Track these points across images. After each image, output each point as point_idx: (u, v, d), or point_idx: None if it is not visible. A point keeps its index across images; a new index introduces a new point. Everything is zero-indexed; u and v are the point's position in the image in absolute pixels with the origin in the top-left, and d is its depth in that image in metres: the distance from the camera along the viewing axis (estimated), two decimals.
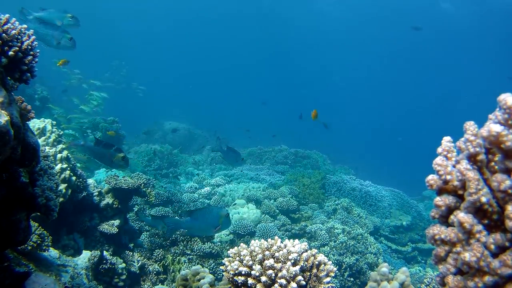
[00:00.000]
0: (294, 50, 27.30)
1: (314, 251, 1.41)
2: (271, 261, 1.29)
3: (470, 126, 0.77)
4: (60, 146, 2.80)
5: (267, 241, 1.41)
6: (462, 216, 0.69)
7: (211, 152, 4.40)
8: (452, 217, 0.75)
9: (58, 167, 2.64)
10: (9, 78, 1.37)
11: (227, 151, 3.78)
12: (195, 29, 26.68)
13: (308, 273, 1.36)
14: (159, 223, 3.26)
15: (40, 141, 2.75)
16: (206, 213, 2.40)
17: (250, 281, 1.29)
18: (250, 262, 1.32)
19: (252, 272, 1.29)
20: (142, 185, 3.25)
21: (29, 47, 1.38)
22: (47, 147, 2.73)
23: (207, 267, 3.32)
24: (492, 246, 0.68)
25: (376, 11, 19.79)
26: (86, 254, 2.61)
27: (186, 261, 3.42)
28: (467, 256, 0.68)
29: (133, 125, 11.45)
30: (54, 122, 2.96)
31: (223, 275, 1.55)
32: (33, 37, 1.40)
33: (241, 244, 1.42)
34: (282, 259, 1.32)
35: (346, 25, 22.43)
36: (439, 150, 0.81)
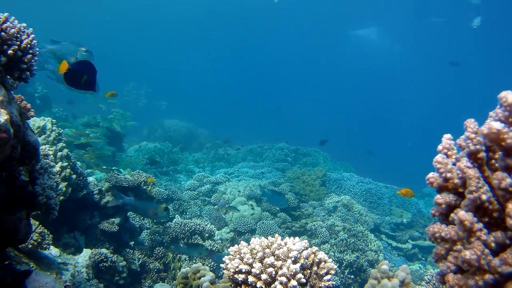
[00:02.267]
0: (295, 49, 27.26)
1: (315, 248, 1.41)
2: (272, 259, 1.29)
3: (470, 123, 0.77)
4: (60, 145, 2.80)
5: (267, 238, 1.41)
6: (462, 214, 0.69)
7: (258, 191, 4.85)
8: (452, 215, 0.75)
9: (58, 165, 2.64)
10: (8, 76, 1.37)
11: (271, 194, 4.14)
12: (195, 29, 26.63)
13: (309, 271, 1.36)
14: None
15: (40, 139, 2.75)
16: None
17: (250, 279, 1.29)
18: (251, 260, 1.32)
19: (253, 270, 1.29)
20: (143, 183, 3.26)
21: (29, 45, 1.38)
22: (47, 146, 2.73)
23: (207, 265, 3.33)
24: (493, 244, 0.67)
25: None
26: (86, 252, 2.61)
27: (187, 258, 3.42)
28: (467, 254, 0.68)
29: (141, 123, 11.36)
30: (54, 121, 2.95)
31: (223, 273, 1.55)
32: (32, 35, 1.40)
33: (242, 241, 1.42)
34: (282, 257, 1.32)
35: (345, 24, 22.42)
36: (440, 147, 0.81)
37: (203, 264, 1.92)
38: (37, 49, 1.43)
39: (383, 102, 28.42)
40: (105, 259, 2.63)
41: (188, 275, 1.74)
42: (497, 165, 0.70)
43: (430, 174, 0.80)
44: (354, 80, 28.48)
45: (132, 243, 3.41)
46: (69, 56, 2.97)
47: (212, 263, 3.39)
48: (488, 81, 20.08)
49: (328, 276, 1.36)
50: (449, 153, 0.79)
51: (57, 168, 2.62)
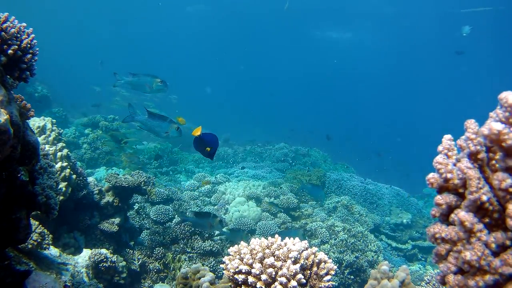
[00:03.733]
0: (296, 49, 27.27)
1: (314, 249, 1.41)
2: (272, 259, 1.29)
3: (471, 124, 0.77)
4: (60, 145, 2.80)
5: (267, 239, 1.41)
6: (463, 214, 0.69)
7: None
8: (452, 215, 0.75)
9: (58, 165, 2.64)
10: (8, 76, 1.37)
11: (311, 187, 4.62)
12: (194, 29, 26.62)
13: (309, 271, 1.36)
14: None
15: (40, 139, 2.75)
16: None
17: (250, 279, 1.29)
18: (251, 260, 1.32)
19: (253, 270, 1.29)
20: (143, 183, 3.25)
21: (29, 45, 1.38)
22: (47, 146, 2.73)
23: (207, 265, 3.32)
24: (493, 245, 0.67)
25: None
26: (86, 253, 2.61)
27: (187, 259, 3.42)
28: (468, 255, 0.68)
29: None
30: (54, 121, 2.95)
31: (223, 273, 1.55)
32: (33, 35, 1.40)
33: (242, 242, 1.42)
34: (282, 257, 1.32)
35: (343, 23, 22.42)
36: (440, 148, 0.81)
37: (203, 265, 1.92)
38: (37, 49, 1.44)
39: (382, 102, 28.41)
40: (105, 259, 2.63)
41: (188, 275, 1.74)
42: (497, 165, 0.70)
43: (430, 175, 0.79)
44: (353, 80, 28.50)
45: (132, 243, 3.41)
46: (146, 87, 3.17)
47: (212, 263, 3.39)
48: (488, 81, 20.10)
49: (328, 277, 1.36)
50: (450, 153, 0.79)
51: (57, 168, 2.62)
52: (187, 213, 3.26)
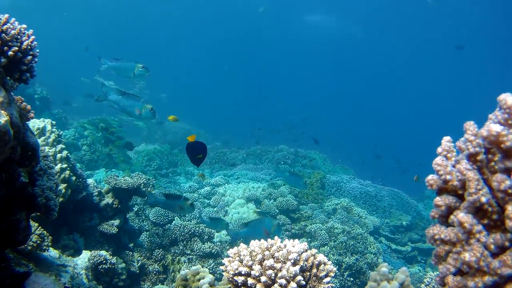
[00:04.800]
0: (295, 49, 27.30)
1: (314, 251, 1.41)
2: (271, 261, 1.29)
3: (470, 126, 0.77)
4: (59, 146, 2.80)
5: (267, 241, 1.41)
6: (462, 216, 0.69)
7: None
8: (452, 217, 0.75)
9: (57, 167, 2.64)
10: (8, 78, 1.37)
11: (289, 175, 4.23)
12: (194, 29, 26.61)
13: (308, 273, 1.36)
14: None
15: (40, 141, 2.75)
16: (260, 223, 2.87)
17: (250, 281, 1.29)
18: (250, 262, 1.32)
19: (252, 272, 1.29)
20: (142, 185, 3.25)
21: (29, 47, 1.38)
22: (46, 147, 2.73)
23: (207, 267, 3.32)
24: (492, 246, 0.68)
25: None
26: (86, 254, 2.61)
27: (186, 261, 3.42)
28: (467, 256, 0.68)
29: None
30: (54, 122, 2.95)
31: (223, 275, 1.55)
32: (33, 37, 1.40)
33: (241, 244, 1.42)
34: (282, 259, 1.32)
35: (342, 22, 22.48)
36: (439, 150, 0.81)
37: (202, 267, 1.92)
38: (37, 50, 1.44)
39: (382, 102, 28.45)
40: (104, 261, 2.62)
41: (188, 277, 1.74)
42: (496, 167, 0.71)
43: (430, 176, 0.80)
44: (353, 80, 28.53)
45: (131, 245, 3.41)
46: (128, 72, 3.19)
47: (212, 265, 3.38)
48: (487, 81, 20.13)
49: (328, 279, 1.36)
50: (449, 155, 0.80)
51: (56, 169, 2.62)
52: (158, 195, 3.20)
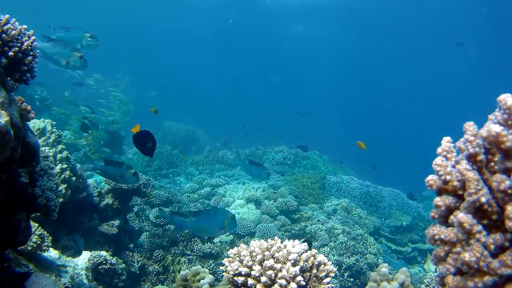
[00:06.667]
0: (295, 50, 27.30)
1: (314, 251, 1.41)
2: (271, 261, 1.29)
3: (469, 126, 0.77)
4: (60, 147, 2.81)
5: (267, 241, 1.41)
6: (461, 216, 0.69)
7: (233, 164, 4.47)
8: (451, 217, 0.75)
9: (58, 167, 2.64)
10: (9, 78, 1.37)
11: (249, 165, 3.50)
12: (194, 28, 26.59)
13: (308, 274, 1.36)
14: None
15: (40, 141, 2.75)
16: (212, 214, 2.38)
17: (250, 281, 1.29)
18: (250, 263, 1.32)
19: (252, 273, 1.29)
20: (142, 185, 3.25)
21: (29, 47, 1.38)
22: (47, 148, 2.73)
23: (207, 268, 3.32)
24: (492, 246, 0.68)
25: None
26: (86, 255, 2.61)
27: (186, 261, 3.42)
28: (466, 256, 0.68)
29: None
30: (54, 123, 2.96)
31: (223, 276, 1.55)
32: (33, 37, 1.40)
33: (241, 244, 1.42)
34: (282, 259, 1.32)
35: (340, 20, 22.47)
36: (439, 150, 0.81)
37: (202, 267, 1.92)
38: (38, 51, 1.44)
39: (382, 102, 28.43)
40: (104, 262, 2.63)
41: (188, 277, 1.74)
42: (496, 167, 0.71)
43: (430, 177, 0.80)
44: (353, 79, 28.53)
45: (131, 245, 3.41)
46: (76, 41, 2.90)
47: (212, 266, 3.38)
48: (487, 81, 20.12)
49: (328, 279, 1.36)
50: (449, 155, 0.80)
51: (56, 170, 2.62)
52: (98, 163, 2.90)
